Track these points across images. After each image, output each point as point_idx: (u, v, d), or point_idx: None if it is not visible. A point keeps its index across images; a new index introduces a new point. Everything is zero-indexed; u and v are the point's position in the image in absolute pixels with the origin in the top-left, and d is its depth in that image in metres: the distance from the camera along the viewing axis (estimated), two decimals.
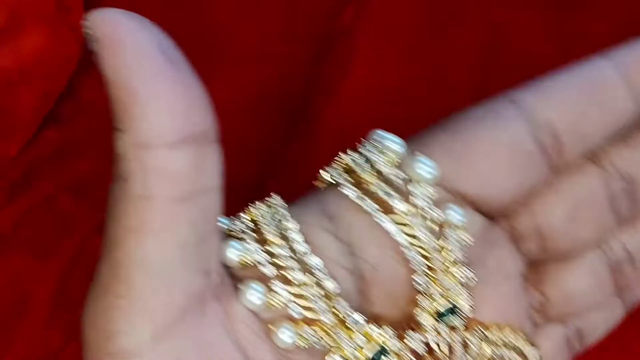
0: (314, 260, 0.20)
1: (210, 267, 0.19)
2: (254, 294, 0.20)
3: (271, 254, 0.20)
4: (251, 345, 0.20)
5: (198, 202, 0.18)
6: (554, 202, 0.23)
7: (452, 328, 0.22)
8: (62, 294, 0.28)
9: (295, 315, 0.20)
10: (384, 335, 0.21)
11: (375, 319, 0.21)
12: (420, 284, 0.21)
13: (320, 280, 0.20)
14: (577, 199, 0.23)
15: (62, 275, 0.28)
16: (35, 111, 0.31)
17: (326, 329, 0.20)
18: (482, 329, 0.22)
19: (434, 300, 0.21)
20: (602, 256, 0.24)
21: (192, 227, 0.18)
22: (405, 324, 0.21)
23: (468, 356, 0.22)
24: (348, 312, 0.20)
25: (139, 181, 0.18)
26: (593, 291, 0.24)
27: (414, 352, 0.21)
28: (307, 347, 0.20)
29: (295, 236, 0.20)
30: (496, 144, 0.22)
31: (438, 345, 0.21)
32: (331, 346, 0.20)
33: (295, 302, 0.20)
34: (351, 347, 0.21)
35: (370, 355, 0.21)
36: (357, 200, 0.21)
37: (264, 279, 0.20)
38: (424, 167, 0.21)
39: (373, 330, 0.21)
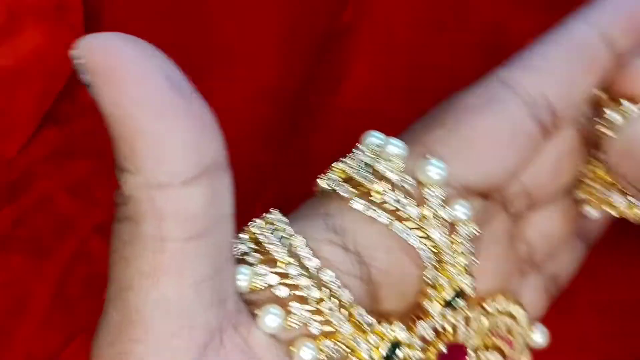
0: (327, 275, 0.20)
1: (227, 296, 0.19)
2: (271, 318, 0.19)
3: (281, 275, 0.20)
4: None
5: (213, 235, 0.17)
6: (538, 162, 0.23)
7: (455, 309, 0.22)
8: (61, 293, 0.28)
9: (315, 332, 0.20)
10: (395, 331, 0.21)
11: (384, 315, 0.21)
12: (429, 279, 0.21)
13: (334, 292, 0.20)
14: (557, 153, 0.23)
15: (61, 275, 0.28)
16: (34, 111, 0.31)
17: (344, 338, 0.20)
18: (481, 305, 0.23)
19: (442, 290, 0.21)
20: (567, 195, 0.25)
21: (208, 262, 0.18)
22: (414, 315, 0.22)
23: (470, 331, 0.23)
24: (364, 316, 0.20)
25: (152, 224, 0.17)
26: (564, 228, 0.25)
27: (422, 338, 0.22)
28: (327, 359, 0.20)
29: (304, 252, 0.20)
30: (497, 131, 0.21)
31: (444, 328, 0.22)
32: (348, 352, 0.20)
33: (313, 320, 0.20)
34: (367, 348, 0.20)
35: (384, 353, 0.21)
36: (369, 213, 0.21)
37: (278, 300, 0.19)
38: (434, 170, 0.21)
39: (385, 328, 0.21)
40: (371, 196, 0.21)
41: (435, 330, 0.22)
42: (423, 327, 0.22)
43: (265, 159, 0.31)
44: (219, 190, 0.17)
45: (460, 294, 0.22)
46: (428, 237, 0.21)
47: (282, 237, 0.20)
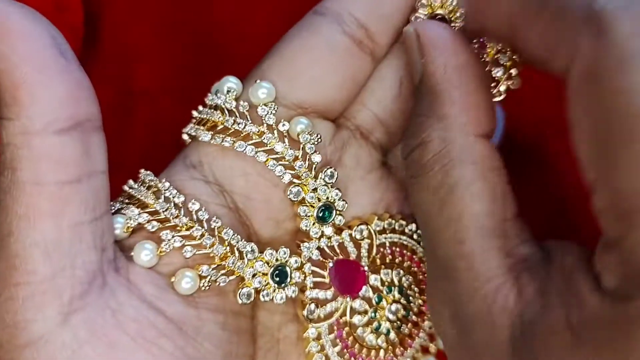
0: (194, 205, 0.22)
1: (106, 244, 0.20)
2: (145, 253, 0.21)
3: (152, 214, 0.22)
4: (159, 300, 0.21)
5: (88, 184, 0.19)
6: (379, 88, 0.25)
7: (339, 230, 0.24)
8: None
9: (189, 255, 0.22)
10: (280, 255, 0.23)
11: (266, 244, 0.23)
12: (292, 194, 0.23)
13: (202, 220, 0.22)
14: (398, 77, 0.24)
15: None
16: None
17: (223, 264, 0.22)
18: (363, 223, 0.24)
19: (311, 207, 0.23)
20: None
21: (85, 207, 0.19)
22: (298, 239, 0.24)
23: (362, 250, 0.24)
24: (238, 240, 0.22)
25: (28, 168, 0.18)
26: None
27: (317, 262, 0.23)
28: (208, 286, 0.22)
29: (169, 192, 0.22)
30: (315, 49, 0.23)
31: (330, 246, 0.23)
32: (234, 277, 0.22)
33: (185, 244, 0.22)
34: (255, 276, 0.22)
35: (274, 279, 0.22)
36: (212, 141, 0.23)
37: (152, 237, 0.22)
38: (262, 90, 0.23)
39: (269, 254, 0.23)
40: (217, 128, 0.23)
41: (324, 253, 0.23)
42: (307, 248, 0.23)
43: None
44: (92, 145, 0.19)
45: (330, 207, 0.23)
46: (273, 151, 0.23)
47: (149, 186, 0.23)
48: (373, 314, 0.24)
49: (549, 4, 0.18)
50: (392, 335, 0.24)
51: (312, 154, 0.23)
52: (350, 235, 0.24)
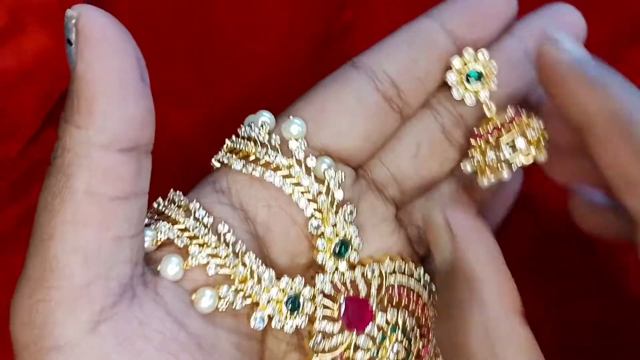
0: (222, 227, 0.23)
1: (139, 259, 0.21)
2: (172, 266, 0.22)
3: (181, 230, 0.22)
4: (183, 314, 0.21)
5: (135, 202, 0.20)
6: (398, 147, 0.26)
7: (353, 267, 0.24)
8: None
9: (212, 272, 0.22)
10: (295, 285, 0.23)
11: (282, 273, 0.23)
12: (313, 227, 0.24)
13: (228, 242, 0.23)
14: (417, 140, 0.26)
15: None
16: (36, 112, 0.31)
17: (244, 287, 0.22)
18: (375, 262, 0.25)
19: (329, 241, 0.24)
20: (453, 182, 0.27)
21: (128, 224, 0.20)
22: (313, 271, 0.24)
23: (372, 287, 0.24)
24: (258, 265, 0.23)
25: (84, 177, 0.19)
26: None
27: (329, 296, 0.24)
28: (226, 307, 0.22)
29: (199, 212, 0.23)
30: (345, 100, 0.25)
31: (343, 282, 0.24)
32: (250, 302, 0.22)
33: (211, 260, 0.22)
34: (269, 302, 0.23)
35: (287, 307, 0.23)
36: (244, 169, 0.24)
37: (179, 252, 0.22)
38: (294, 126, 0.24)
39: (285, 282, 0.23)
40: (249, 158, 0.24)
41: (337, 287, 0.24)
42: (321, 281, 0.24)
43: None
44: (143, 167, 0.20)
45: (345, 243, 0.24)
46: (299, 184, 0.24)
47: (179, 205, 0.23)
48: (375, 352, 0.24)
49: None
50: None
51: (335, 190, 0.24)
52: (363, 273, 0.24)
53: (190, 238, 0.22)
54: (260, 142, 0.24)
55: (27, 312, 0.19)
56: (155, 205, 0.24)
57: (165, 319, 0.21)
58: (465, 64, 0.25)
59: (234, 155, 0.24)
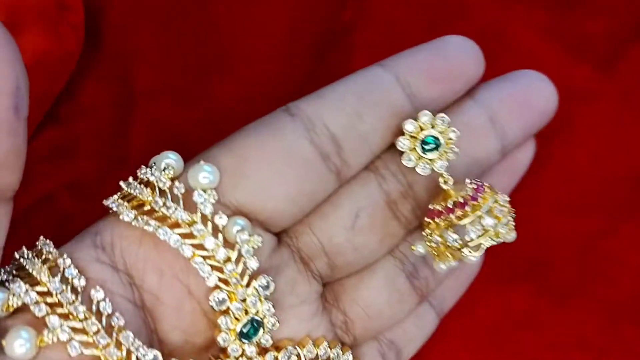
0: (96, 293, 0.18)
1: None
2: (18, 341, 0.17)
3: (42, 294, 0.18)
4: None
5: None
6: (332, 214, 0.22)
7: (264, 351, 0.20)
8: None
9: (74, 353, 0.18)
10: None
11: (175, 354, 0.19)
12: (216, 301, 0.19)
13: (102, 313, 0.18)
14: (355, 209, 0.21)
15: None
16: (35, 111, 0.31)
17: None
18: (294, 346, 0.21)
19: (235, 320, 0.19)
20: (396, 264, 0.23)
21: None
22: (212, 355, 0.20)
23: None
24: (138, 347, 0.18)
25: None
26: (393, 302, 0.23)
27: None
28: None
29: (69, 271, 0.18)
30: (272, 151, 0.20)
31: None
32: None
33: (74, 338, 0.18)
34: None
35: None
36: (135, 222, 0.19)
37: (36, 322, 0.18)
38: (203, 174, 0.20)
39: None
40: (143, 208, 0.19)
41: None
42: None
43: None
44: None
45: (256, 322, 0.20)
46: (202, 247, 0.19)
47: (45, 259, 0.19)
48: None
49: None
50: None
51: (248, 257, 0.19)
52: (276, 358, 0.20)
53: (51, 305, 0.18)
54: (159, 189, 0.20)
55: None
56: (17, 255, 0.20)
57: None
58: (421, 129, 0.21)
59: (125, 203, 0.20)
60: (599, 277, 0.29)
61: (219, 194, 0.20)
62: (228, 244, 0.19)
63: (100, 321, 0.18)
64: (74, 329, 0.18)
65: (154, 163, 0.20)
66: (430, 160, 0.21)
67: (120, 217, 0.19)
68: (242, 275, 0.19)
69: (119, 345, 0.18)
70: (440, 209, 0.21)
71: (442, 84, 0.22)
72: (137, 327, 0.19)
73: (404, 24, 0.33)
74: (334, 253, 0.22)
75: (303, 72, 0.32)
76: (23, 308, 0.18)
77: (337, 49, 0.33)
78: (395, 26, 0.33)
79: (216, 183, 0.20)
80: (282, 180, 0.20)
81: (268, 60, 0.32)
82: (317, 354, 0.21)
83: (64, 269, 0.19)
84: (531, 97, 0.23)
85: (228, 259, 0.19)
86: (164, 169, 0.20)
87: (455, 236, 0.21)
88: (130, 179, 0.20)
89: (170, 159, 0.20)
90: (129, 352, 0.18)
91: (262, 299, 0.20)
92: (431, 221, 0.21)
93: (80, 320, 0.18)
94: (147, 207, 0.19)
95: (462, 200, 0.21)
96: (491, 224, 0.20)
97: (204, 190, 0.20)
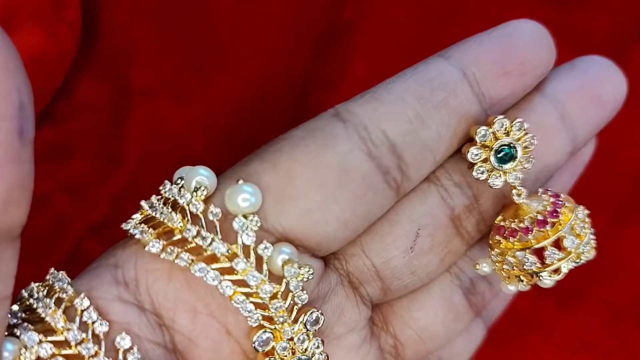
0: (121, 341, 0.16)
1: None
2: None
3: (58, 344, 0.16)
4: None
5: None
6: (389, 235, 0.19)
7: None
8: None
9: None
10: None
11: None
12: (260, 342, 0.17)
13: None
14: (415, 227, 0.19)
15: None
16: None
17: None
18: None
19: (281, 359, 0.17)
20: (453, 280, 0.20)
21: None
22: None
23: None
24: None
25: None
26: (448, 322, 0.21)
27: None
28: None
29: (87, 314, 0.16)
30: (322, 168, 0.17)
31: None
32: None
33: None
34: None
35: None
36: (163, 254, 0.16)
37: None
38: (243, 195, 0.16)
39: None
40: (172, 237, 0.17)
41: None
42: None
43: None
44: (5, 262, 0.14)
45: None
46: (245, 283, 0.16)
47: (59, 298, 0.16)
48: None
49: None
50: None
51: (297, 293, 0.17)
52: None
53: (69, 358, 0.15)
54: (190, 214, 0.17)
55: None
56: (24, 293, 0.17)
57: None
58: (495, 137, 0.18)
59: (150, 229, 0.17)
60: (603, 278, 0.28)
61: (261, 219, 0.17)
62: (272, 276, 0.17)
63: None
64: None
65: (181, 179, 0.17)
66: (504, 172, 0.19)
67: (146, 248, 0.17)
68: (289, 311, 0.17)
69: None
70: (515, 227, 0.18)
71: (514, 79, 0.19)
72: None
73: (404, 24, 0.33)
74: (389, 277, 0.19)
75: (303, 71, 0.32)
76: None
77: (337, 49, 0.33)
78: (395, 26, 0.33)
79: (258, 206, 0.17)
80: (334, 201, 0.17)
81: (267, 59, 0.32)
82: None
83: (82, 311, 0.16)
84: (602, 88, 0.20)
85: (274, 296, 0.17)
86: (195, 190, 0.17)
87: (534, 259, 0.18)
88: (153, 199, 0.17)
89: (202, 176, 0.17)
90: None
91: (310, 336, 0.17)
92: (502, 240, 0.19)
93: None
94: (177, 237, 0.17)
95: (541, 218, 0.18)
96: (573, 245, 0.18)
97: (245, 216, 0.17)
